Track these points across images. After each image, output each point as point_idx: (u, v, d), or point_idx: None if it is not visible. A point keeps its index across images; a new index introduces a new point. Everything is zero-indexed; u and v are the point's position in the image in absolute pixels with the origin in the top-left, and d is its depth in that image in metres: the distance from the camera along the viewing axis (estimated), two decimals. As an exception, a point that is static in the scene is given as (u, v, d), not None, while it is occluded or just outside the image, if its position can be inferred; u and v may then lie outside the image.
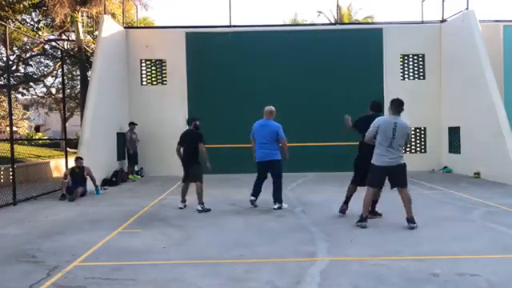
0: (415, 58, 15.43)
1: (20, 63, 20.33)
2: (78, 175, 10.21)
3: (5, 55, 11.08)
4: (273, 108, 8.20)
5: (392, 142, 6.19)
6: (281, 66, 15.13)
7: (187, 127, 8.60)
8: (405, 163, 6.38)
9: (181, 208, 8.27)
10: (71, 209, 8.59)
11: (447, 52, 14.80)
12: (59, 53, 16.75)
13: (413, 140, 15.47)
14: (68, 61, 21.11)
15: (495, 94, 12.20)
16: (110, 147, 13.53)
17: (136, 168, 14.53)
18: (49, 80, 23.95)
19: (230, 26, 15.41)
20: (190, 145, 8.25)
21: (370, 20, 29.92)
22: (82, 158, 10.42)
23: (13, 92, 18.29)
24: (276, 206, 7.90)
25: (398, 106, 6.35)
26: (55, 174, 15.35)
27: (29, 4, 16.59)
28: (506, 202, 8.35)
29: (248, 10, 59.52)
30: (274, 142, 7.95)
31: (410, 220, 6.28)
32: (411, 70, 15.51)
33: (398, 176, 6.33)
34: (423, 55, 15.33)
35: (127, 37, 15.36)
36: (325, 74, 15.15)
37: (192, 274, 4.42)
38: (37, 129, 38.07)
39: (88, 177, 10.34)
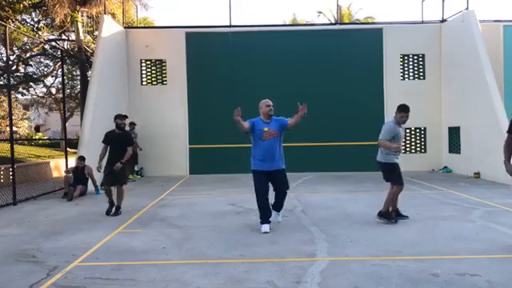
0: (415, 58, 15.43)
1: (20, 63, 20.32)
2: (79, 174, 10.28)
3: (5, 55, 11.06)
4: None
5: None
6: (280, 66, 15.13)
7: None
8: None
9: (111, 215, 7.70)
10: (71, 209, 8.59)
11: (447, 52, 14.80)
12: (59, 53, 16.75)
13: (413, 140, 15.50)
14: (68, 61, 21.11)
15: (495, 94, 12.20)
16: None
17: (136, 168, 14.53)
18: (49, 80, 23.99)
19: (230, 26, 15.41)
20: (120, 147, 7.70)
21: (370, 20, 29.92)
22: (84, 158, 10.45)
23: (13, 92, 18.28)
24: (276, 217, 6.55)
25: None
26: (55, 174, 15.35)
27: (29, 4, 16.60)
28: (506, 202, 8.35)
29: (248, 9, 59.50)
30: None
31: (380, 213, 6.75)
32: (411, 70, 15.51)
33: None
34: (423, 55, 15.33)
35: (127, 37, 15.37)
36: (325, 74, 15.16)
37: (192, 274, 4.42)
38: (37, 129, 38.08)
39: (89, 177, 10.38)
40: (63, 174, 10.89)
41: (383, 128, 6.60)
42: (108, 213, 7.73)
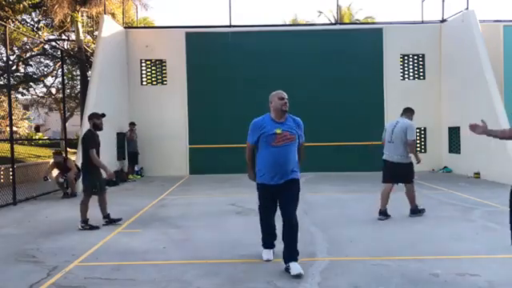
0: (415, 57, 15.43)
1: (20, 63, 20.32)
2: (62, 167, 10.30)
3: (5, 55, 11.06)
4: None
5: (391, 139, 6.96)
6: (280, 66, 15.13)
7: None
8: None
9: (112, 222, 6.90)
10: (71, 209, 8.58)
11: (447, 52, 14.80)
12: (59, 53, 16.74)
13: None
14: (68, 61, 21.10)
15: (495, 94, 12.20)
16: (110, 147, 13.52)
17: (136, 168, 14.53)
18: (49, 80, 23.98)
19: (230, 26, 15.42)
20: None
21: (370, 20, 29.93)
22: (60, 153, 10.57)
23: (13, 92, 18.28)
24: (297, 272, 4.26)
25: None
26: (55, 174, 15.33)
27: (29, 4, 16.59)
28: (506, 202, 8.28)
29: (248, 9, 59.52)
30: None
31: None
32: (411, 70, 15.52)
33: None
34: (423, 55, 15.33)
35: (127, 37, 15.37)
36: (325, 74, 15.16)
37: (192, 274, 4.42)
38: (37, 129, 38.08)
39: (72, 169, 10.22)
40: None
41: (411, 128, 6.83)
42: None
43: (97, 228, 6.56)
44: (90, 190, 6.73)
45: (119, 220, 6.95)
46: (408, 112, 7.18)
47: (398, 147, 6.85)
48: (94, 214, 6.87)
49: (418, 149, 15.48)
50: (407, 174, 6.94)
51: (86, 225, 6.59)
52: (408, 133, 6.77)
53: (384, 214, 6.95)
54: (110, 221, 6.86)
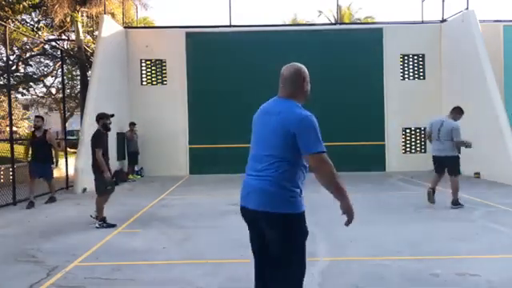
0: (415, 57, 15.43)
1: (20, 63, 20.32)
2: (39, 144, 8.74)
3: (5, 55, 11.06)
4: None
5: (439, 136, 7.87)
6: (280, 66, 15.02)
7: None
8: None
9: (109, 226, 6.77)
10: (71, 209, 8.59)
11: (447, 52, 14.79)
12: (59, 53, 16.74)
13: (413, 140, 15.50)
14: (68, 61, 21.10)
15: (495, 93, 12.19)
16: (110, 147, 13.48)
17: (136, 168, 14.53)
18: (49, 80, 23.97)
19: (230, 26, 15.42)
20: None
21: (370, 20, 29.93)
22: (41, 117, 9.23)
23: (13, 92, 18.27)
24: None
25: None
26: (55, 174, 15.31)
27: (29, 4, 16.58)
28: (505, 201, 8.34)
29: (248, 9, 59.50)
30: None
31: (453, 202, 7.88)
32: (411, 70, 15.51)
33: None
34: (423, 55, 15.33)
35: (127, 37, 15.36)
36: (325, 74, 15.12)
37: (192, 274, 4.42)
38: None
39: (51, 143, 8.95)
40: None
41: (455, 129, 7.78)
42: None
43: (114, 226, 6.65)
44: (103, 189, 6.74)
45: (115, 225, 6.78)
46: (454, 112, 8.13)
47: (444, 144, 7.83)
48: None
49: (418, 149, 15.49)
50: (453, 165, 7.83)
51: (104, 223, 6.68)
52: (453, 134, 7.71)
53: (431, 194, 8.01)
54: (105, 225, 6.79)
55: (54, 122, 29.17)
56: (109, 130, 6.95)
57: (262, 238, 2.84)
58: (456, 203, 7.87)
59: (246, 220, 3.00)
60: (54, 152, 8.99)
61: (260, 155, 2.79)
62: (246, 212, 2.92)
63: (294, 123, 2.64)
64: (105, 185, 6.73)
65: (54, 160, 9.07)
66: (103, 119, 6.84)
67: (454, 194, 7.86)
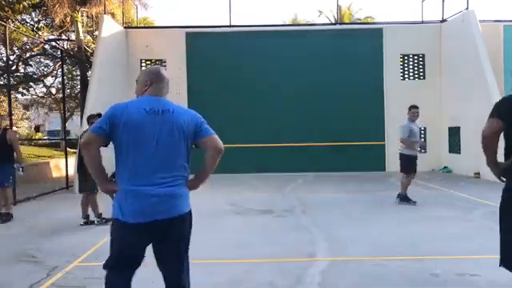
0: (415, 57, 15.43)
1: (20, 63, 20.32)
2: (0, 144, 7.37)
3: (5, 55, 11.06)
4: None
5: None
6: (280, 66, 15.13)
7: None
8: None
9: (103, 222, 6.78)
10: (71, 209, 8.57)
11: (447, 52, 14.80)
12: (59, 53, 16.75)
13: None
14: (68, 61, 21.10)
15: (495, 94, 12.19)
16: (110, 147, 13.51)
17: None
18: (49, 80, 23.96)
19: (230, 26, 15.42)
20: None
21: (370, 20, 29.93)
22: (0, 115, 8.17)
23: (13, 92, 18.27)
24: None
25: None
26: (55, 174, 15.34)
27: (29, 4, 16.57)
28: (506, 202, 8.33)
29: (248, 9, 59.48)
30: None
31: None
32: (411, 70, 15.51)
33: None
34: (423, 55, 15.33)
35: (127, 37, 15.36)
36: (324, 74, 15.15)
37: (192, 274, 4.42)
38: (37, 129, 38.06)
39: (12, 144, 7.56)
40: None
41: (400, 127, 8.39)
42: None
43: (111, 220, 6.56)
44: (94, 188, 6.69)
45: (94, 223, 6.85)
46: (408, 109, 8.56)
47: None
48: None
49: (418, 149, 15.43)
50: (400, 163, 8.42)
51: (102, 219, 6.75)
52: (399, 132, 8.38)
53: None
54: (88, 222, 6.88)
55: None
56: None
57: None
58: (400, 197, 8.22)
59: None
60: (15, 154, 7.66)
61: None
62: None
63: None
64: (95, 184, 6.65)
65: (16, 165, 7.76)
66: (91, 120, 6.78)
67: (401, 189, 8.29)
